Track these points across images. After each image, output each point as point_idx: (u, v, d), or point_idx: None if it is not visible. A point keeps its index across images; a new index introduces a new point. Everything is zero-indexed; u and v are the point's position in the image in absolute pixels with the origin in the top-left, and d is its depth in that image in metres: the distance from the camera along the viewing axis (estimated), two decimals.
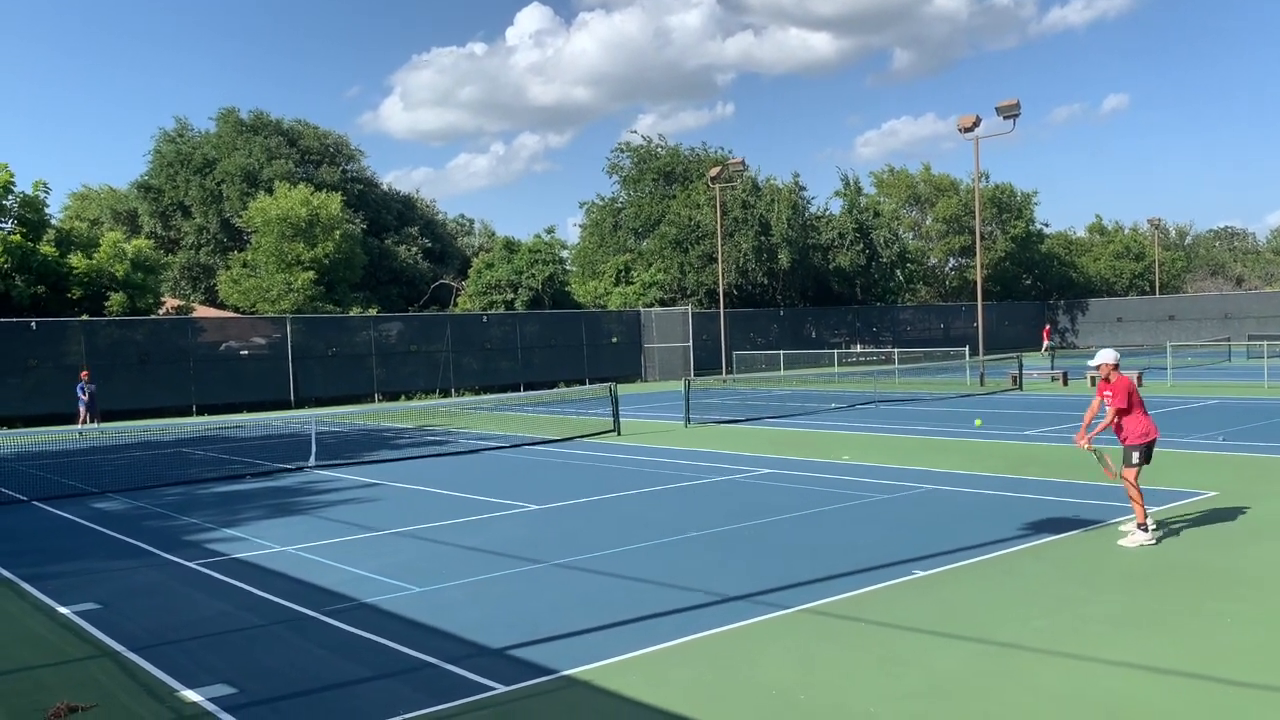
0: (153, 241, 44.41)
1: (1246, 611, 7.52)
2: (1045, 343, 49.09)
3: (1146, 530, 9.78)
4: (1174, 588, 8.28)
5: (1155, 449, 10.35)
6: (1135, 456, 10.04)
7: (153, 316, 36.67)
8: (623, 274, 54.28)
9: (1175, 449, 16.40)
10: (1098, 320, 66.19)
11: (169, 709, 6.28)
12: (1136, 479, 9.98)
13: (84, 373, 29.07)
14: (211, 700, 6.34)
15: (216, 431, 26.97)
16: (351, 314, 42.40)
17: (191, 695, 6.45)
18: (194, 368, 34.95)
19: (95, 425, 26.81)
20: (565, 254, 58.81)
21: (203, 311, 44.20)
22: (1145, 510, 9.89)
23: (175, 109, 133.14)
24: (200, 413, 33.47)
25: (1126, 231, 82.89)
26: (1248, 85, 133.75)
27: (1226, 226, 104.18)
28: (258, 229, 45.20)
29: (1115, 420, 10.14)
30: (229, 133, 55.25)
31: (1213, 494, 12.24)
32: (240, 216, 49.18)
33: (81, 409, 28.22)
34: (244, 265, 46.35)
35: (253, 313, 42.94)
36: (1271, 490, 12.42)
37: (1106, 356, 10.23)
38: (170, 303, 41.74)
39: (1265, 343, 38.84)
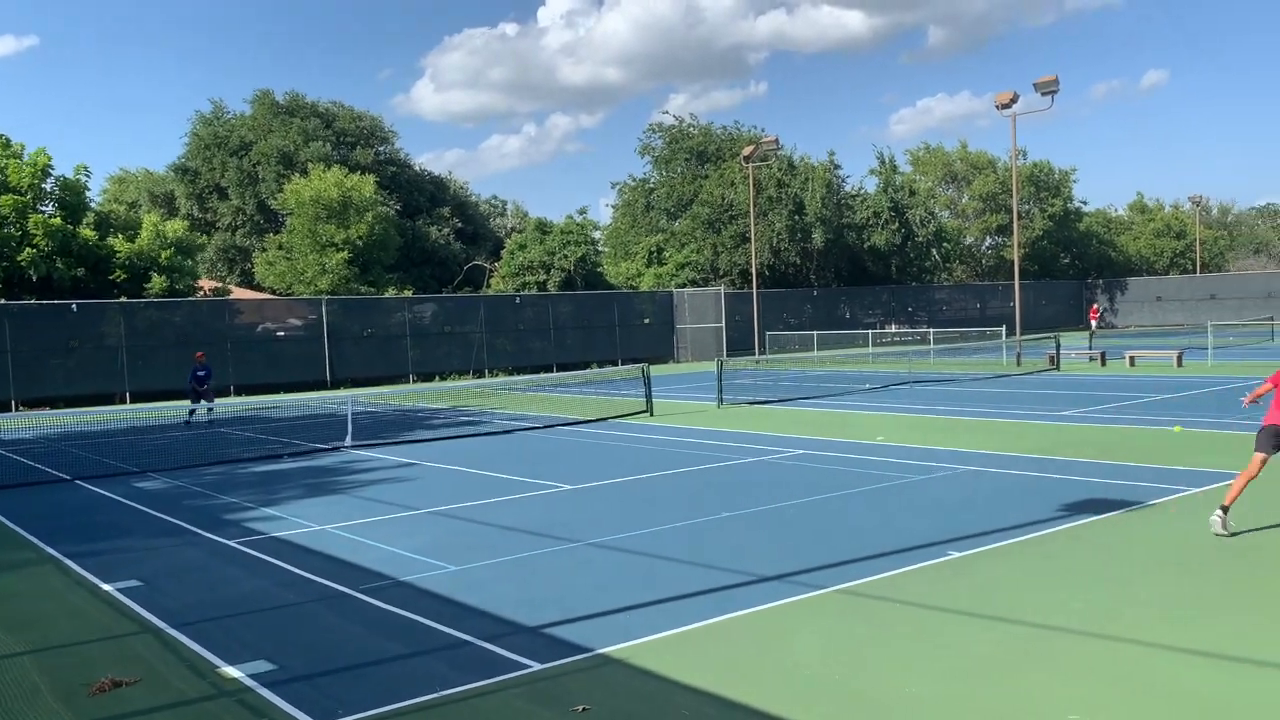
0: (189, 223, 44.85)
1: None
2: (1093, 322, 48.52)
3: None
4: (1215, 570, 8.17)
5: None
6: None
7: (191, 299, 37.09)
8: (655, 255, 54.14)
9: (1215, 430, 16.17)
10: (1137, 299, 65.25)
11: (210, 684, 6.38)
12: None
13: (199, 354, 26.03)
14: (251, 676, 6.43)
15: (254, 412, 27.26)
16: (386, 295, 42.65)
17: (232, 671, 6.55)
18: (231, 349, 35.33)
19: (206, 406, 24.55)
20: (598, 235, 58.80)
21: (239, 293, 44.66)
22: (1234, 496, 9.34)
23: (210, 92, 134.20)
24: (238, 393, 33.85)
25: (1167, 209, 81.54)
26: None
27: (1270, 204, 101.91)
28: (293, 211, 45.54)
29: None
30: (264, 115, 55.62)
31: None
32: (276, 199, 49.57)
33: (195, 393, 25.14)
34: (279, 247, 46.73)
35: (288, 294, 43.32)
36: None
37: None
38: (207, 284, 42.20)
39: None
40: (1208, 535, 9.24)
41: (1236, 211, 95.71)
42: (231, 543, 10.59)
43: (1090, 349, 34.94)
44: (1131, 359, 31.43)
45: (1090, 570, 8.29)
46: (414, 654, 6.83)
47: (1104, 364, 31.80)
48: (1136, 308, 64.62)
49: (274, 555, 9.90)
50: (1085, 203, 74.73)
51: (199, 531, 11.28)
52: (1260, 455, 9.21)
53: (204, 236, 50.38)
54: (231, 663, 6.70)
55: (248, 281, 52.42)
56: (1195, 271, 71.51)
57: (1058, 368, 30.90)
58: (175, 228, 38.46)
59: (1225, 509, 9.24)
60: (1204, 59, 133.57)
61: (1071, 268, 71.52)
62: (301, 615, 7.89)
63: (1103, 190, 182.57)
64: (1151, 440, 15.36)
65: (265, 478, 15.33)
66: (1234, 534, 9.12)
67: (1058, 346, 31.99)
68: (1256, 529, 9.43)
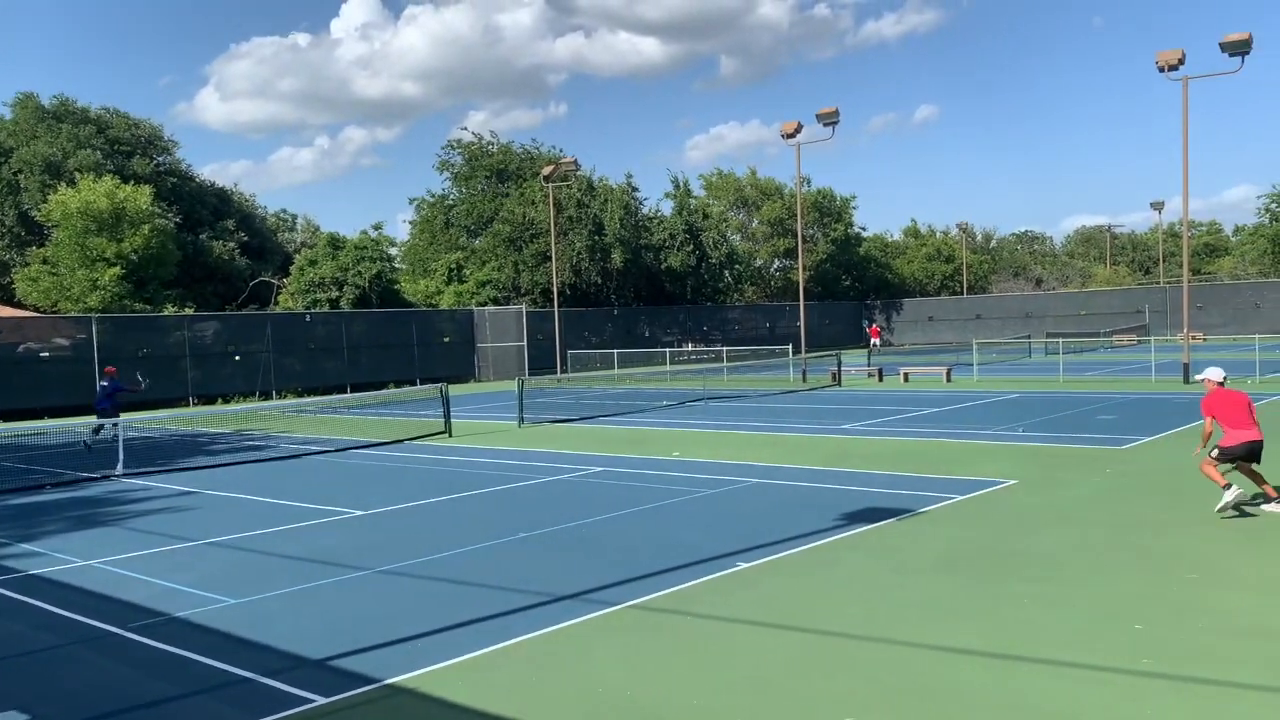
0: None
1: (1044, 592, 8.06)
2: (875, 341, 51.31)
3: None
4: (979, 572, 8.79)
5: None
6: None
7: None
8: (455, 272, 53.49)
9: (978, 440, 17.42)
10: (911, 319, 69.64)
11: None
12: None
13: (109, 369, 24.52)
14: None
15: (13, 439, 25.10)
16: (164, 313, 40.23)
17: None
18: None
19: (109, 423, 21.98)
20: (394, 251, 57.55)
21: None
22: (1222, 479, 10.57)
23: None
24: None
25: (938, 235, 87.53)
26: (1045, 100, 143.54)
27: (1027, 231, 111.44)
28: (58, 223, 42.29)
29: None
30: (28, 119, 51.42)
31: (1012, 482, 13.05)
32: (40, 210, 45.89)
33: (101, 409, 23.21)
34: (44, 261, 43.30)
35: (54, 312, 40.17)
36: (1066, 478, 13.34)
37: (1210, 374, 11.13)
38: None
39: (1061, 340, 41.76)
40: (972, 540, 9.94)
41: (999, 237, 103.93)
42: None
43: (869, 366, 36.96)
44: (906, 375, 33.44)
45: (866, 576, 8.76)
46: (189, 694, 6.46)
47: (881, 380, 33.70)
48: (911, 326, 68.94)
49: (31, 594, 9.13)
50: (864, 228, 79.46)
51: None
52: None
53: None
54: None
55: (8, 299, 48.21)
56: (963, 293, 77.02)
57: (839, 384, 32.50)
58: None
59: (1227, 487, 10.41)
60: (971, 95, 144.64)
61: (852, 289, 75.53)
62: (61, 659, 7.32)
63: (880, 216, 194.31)
64: (923, 450, 16.39)
65: (24, 510, 14.14)
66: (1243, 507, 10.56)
67: (839, 364, 33.65)
68: (1026, 535, 10.22)
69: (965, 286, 78.89)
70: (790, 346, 40.60)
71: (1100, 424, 19.13)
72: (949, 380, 31.99)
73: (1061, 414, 21.16)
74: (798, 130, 36.54)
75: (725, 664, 6.66)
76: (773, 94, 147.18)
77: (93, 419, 23.15)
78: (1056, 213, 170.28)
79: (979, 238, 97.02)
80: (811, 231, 70.73)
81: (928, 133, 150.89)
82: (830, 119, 35.55)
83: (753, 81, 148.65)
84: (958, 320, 66.22)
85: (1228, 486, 10.39)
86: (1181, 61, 27.51)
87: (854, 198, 75.57)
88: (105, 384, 23.31)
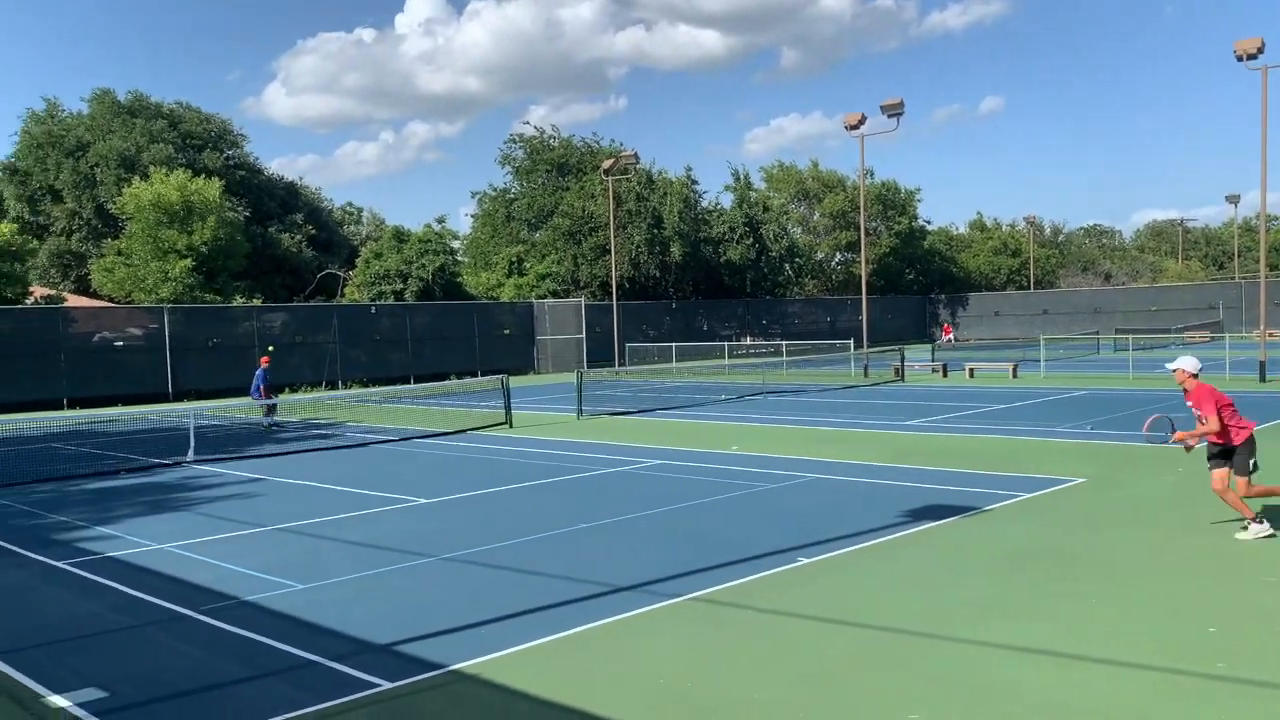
0: (18, 226, 42.21)
1: (1113, 592, 7.90)
2: (946, 337, 50.78)
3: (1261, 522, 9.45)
4: (1045, 571, 8.64)
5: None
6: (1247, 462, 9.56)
7: (20, 306, 34.90)
8: (515, 265, 53.87)
9: (1046, 438, 17.12)
10: (977, 314, 68.57)
11: (34, 716, 6.02)
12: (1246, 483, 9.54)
13: (264, 359, 25.86)
14: (80, 705, 6.09)
15: (89, 426, 25.84)
16: (233, 304, 41.09)
17: (59, 700, 6.19)
18: (65, 359, 33.40)
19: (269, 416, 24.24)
20: (457, 244, 58.10)
21: (75, 301, 42.24)
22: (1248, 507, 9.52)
23: (44, 90, 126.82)
24: (72, 406, 32.00)
25: (1004, 228, 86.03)
26: (1114, 91, 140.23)
27: (1096, 225, 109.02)
28: (132, 216, 43.42)
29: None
30: (104, 115, 52.87)
31: (1080, 481, 12.80)
32: (115, 203, 47.16)
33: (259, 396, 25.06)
34: (119, 253, 44.47)
35: (128, 303, 41.25)
36: (1136, 477, 13.06)
37: (1184, 364, 9.80)
38: (38, 291, 39.80)
39: (1130, 336, 40.85)
40: (1038, 539, 9.77)
41: (1067, 231, 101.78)
42: (61, 564, 10.02)
43: (933, 361, 36.48)
44: (971, 371, 32.96)
45: (929, 574, 8.66)
46: (257, 676, 6.61)
47: (945, 375, 33.25)
48: (976, 321, 67.88)
49: (108, 576, 9.41)
50: (929, 221, 78.37)
51: (25, 553, 10.62)
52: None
53: (35, 241, 47.54)
54: (59, 691, 6.34)
55: (84, 289, 49.61)
56: (1029, 288, 75.63)
57: (903, 379, 32.14)
58: (3, 231, 36.15)
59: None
60: (1038, 87, 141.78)
61: (916, 283, 74.59)
62: (137, 639, 7.53)
63: (945, 209, 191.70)
64: (988, 448, 16.14)
65: (100, 495, 14.56)
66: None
67: (902, 358, 33.28)
68: (1095, 534, 10.03)
69: (1032, 281, 77.45)
70: (851, 341, 40.22)
71: None
72: (1015, 376, 31.46)
73: (1131, 411, 20.69)
74: (861, 122, 36.17)
75: (786, 658, 6.64)
76: (834, 86, 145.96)
77: (162, 406, 23.93)
78: (1126, 206, 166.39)
79: (1047, 231, 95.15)
80: (874, 224, 70.01)
81: (994, 124, 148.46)
82: (895, 110, 35.13)
83: (814, 73, 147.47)
84: (1024, 315, 65.07)
85: (1259, 519, 9.45)
86: (1261, 50, 26.66)
87: (918, 190, 74.74)
88: (260, 372, 25.16)
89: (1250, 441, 9.56)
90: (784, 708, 5.81)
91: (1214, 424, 9.40)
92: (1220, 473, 9.61)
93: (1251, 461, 9.54)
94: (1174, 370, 9.89)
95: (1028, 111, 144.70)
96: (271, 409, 24.41)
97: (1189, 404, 9.73)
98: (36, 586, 9.23)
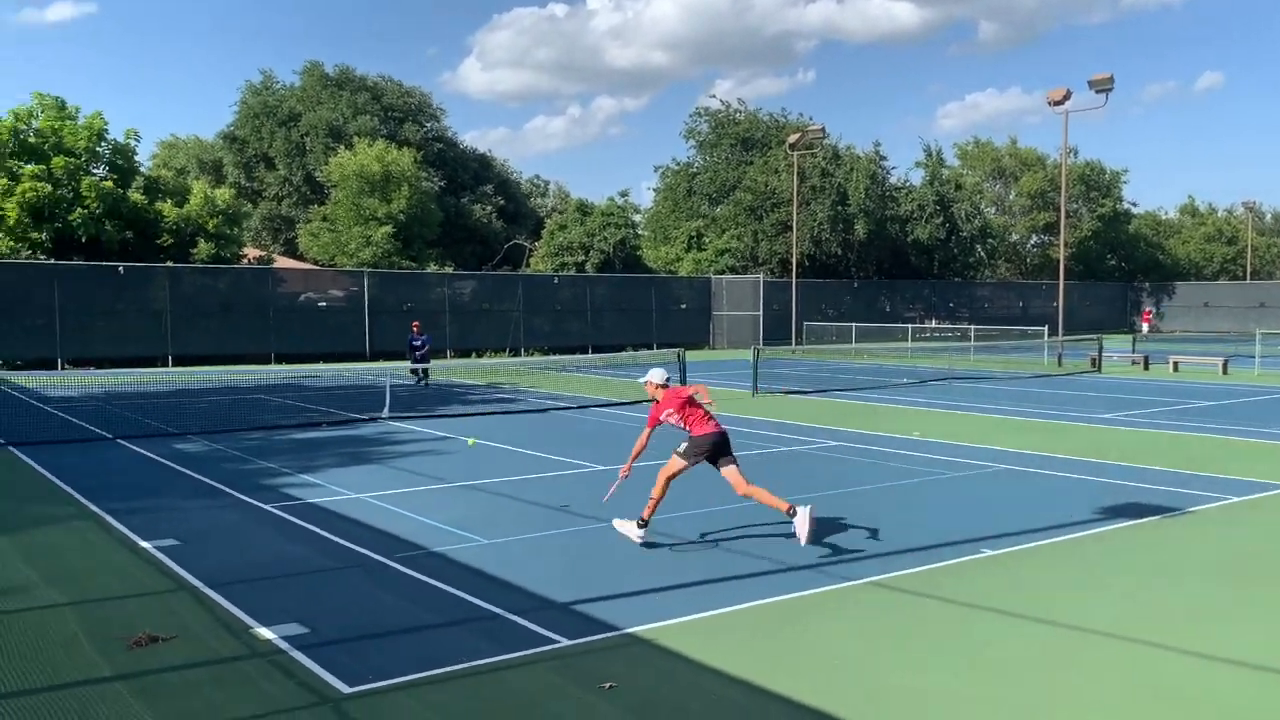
0: (235, 191, 45.35)
1: None
2: (1145, 326, 47.96)
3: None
4: (1252, 578, 8.05)
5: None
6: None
7: (235, 266, 37.53)
8: (695, 240, 53.98)
9: (1258, 439, 15.92)
10: (1184, 304, 64.21)
11: (243, 644, 6.49)
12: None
13: (415, 324, 28.58)
14: (284, 638, 6.53)
15: (294, 380, 27.57)
16: (427, 270, 42.91)
17: (265, 632, 6.65)
18: (274, 317, 35.76)
19: (422, 368, 26.22)
20: (638, 218, 58.70)
21: (283, 263, 45.11)
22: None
23: (262, 62, 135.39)
24: (278, 361, 34.22)
25: (1219, 214, 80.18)
26: None
27: None
28: (337, 184, 45.91)
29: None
30: (314, 87, 56.02)
31: None
32: (322, 171, 49.98)
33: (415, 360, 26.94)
34: (324, 219, 47.14)
35: (331, 266, 43.71)
36: None
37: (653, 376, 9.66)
38: (251, 253, 42.66)
39: None
40: (1243, 545, 9.11)
41: None
42: (268, 507, 10.74)
43: (1134, 352, 34.45)
44: (1175, 364, 30.95)
45: (1123, 574, 8.21)
46: (445, 624, 6.91)
47: (1147, 368, 31.34)
48: (1183, 312, 63.60)
49: (309, 521, 10.03)
50: (1135, 204, 73.83)
51: (237, 494, 11.45)
52: None
53: (250, 205, 50.92)
54: (265, 624, 6.80)
55: (291, 251, 52.92)
56: (1245, 278, 70.24)
57: (1099, 370, 30.51)
58: (224, 195, 38.89)
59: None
60: (1262, 62, 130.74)
61: (1118, 270, 70.54)
62: (335, 580, 8.00)
63: (1153, 192, 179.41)
64: (1194, 447, 15.14)
65: (303, 445, 15.51)
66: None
67: (1100, 349, 31.57)
68: None
69: (1249, 271, 71.90)
70: (1045, 328, 38.43)
71: None
72: (1225, 372, 29.34)
73: None
74: (1066, 97, 34.31)
75: (967, 649, 6.43)
76: (1034, 59, 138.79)
77: (359, 365, 25.55)
78: None
79: (1268, 218, 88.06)
80: (1075, 206, 66.48)
81: (1211, 102, 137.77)
82: (1104, 86, 33.21)
83: (1013, 46, 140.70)
84: (1238, 308, 60.53)
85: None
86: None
87: (1125, 171, 70.51)
88: (415, 337, 27.58)
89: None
90: (961, 700, 5.64)
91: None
92: None
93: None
94: (644, 383, 9.71)
95: (1250, 90, 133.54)
96: (415, 370, 26.31)
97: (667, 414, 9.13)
98: (246, 526, 9.93)
